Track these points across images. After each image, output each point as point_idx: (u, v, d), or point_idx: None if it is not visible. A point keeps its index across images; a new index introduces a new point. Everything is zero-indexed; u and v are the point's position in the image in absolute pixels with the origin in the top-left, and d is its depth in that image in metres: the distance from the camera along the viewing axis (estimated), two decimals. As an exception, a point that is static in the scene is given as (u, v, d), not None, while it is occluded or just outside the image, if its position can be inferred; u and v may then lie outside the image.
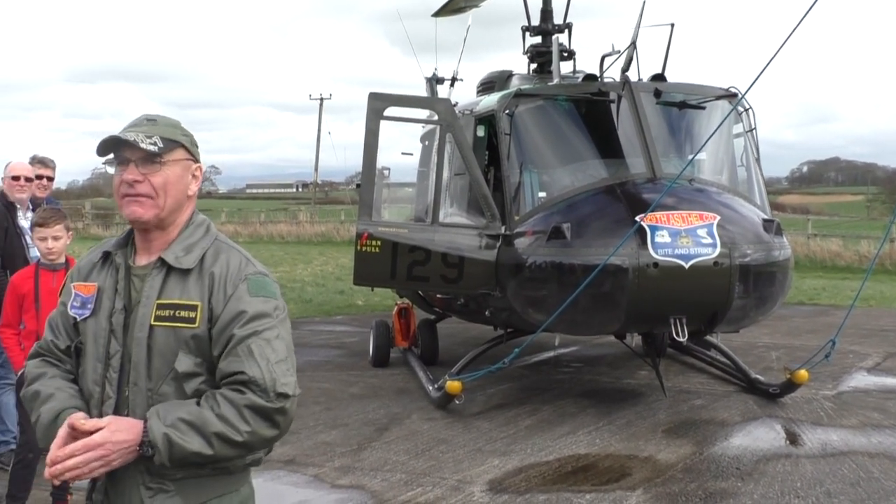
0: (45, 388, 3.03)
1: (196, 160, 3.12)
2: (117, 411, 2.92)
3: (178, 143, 3.03)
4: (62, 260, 6.44)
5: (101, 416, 2.92)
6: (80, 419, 2.81)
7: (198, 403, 2.85)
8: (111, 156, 3.01)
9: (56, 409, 2.95)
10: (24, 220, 7.73)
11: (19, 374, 6.23)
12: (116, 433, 2.76)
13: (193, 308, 2.92)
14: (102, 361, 2.98)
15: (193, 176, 3.10)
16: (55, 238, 6.34)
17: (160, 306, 2.93)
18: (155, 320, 2.92)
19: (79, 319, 3.07)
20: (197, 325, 2.91)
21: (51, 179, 8.31)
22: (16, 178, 7.66)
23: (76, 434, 2.77)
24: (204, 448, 2.78)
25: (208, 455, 2.79)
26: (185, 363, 2.90)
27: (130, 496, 2.91)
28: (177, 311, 2.92)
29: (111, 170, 3.02)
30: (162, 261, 2.99)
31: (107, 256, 3.12)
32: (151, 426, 2.77)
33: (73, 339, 3.10)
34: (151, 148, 2.92)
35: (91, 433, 2.75)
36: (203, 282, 2.96)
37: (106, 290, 3.05)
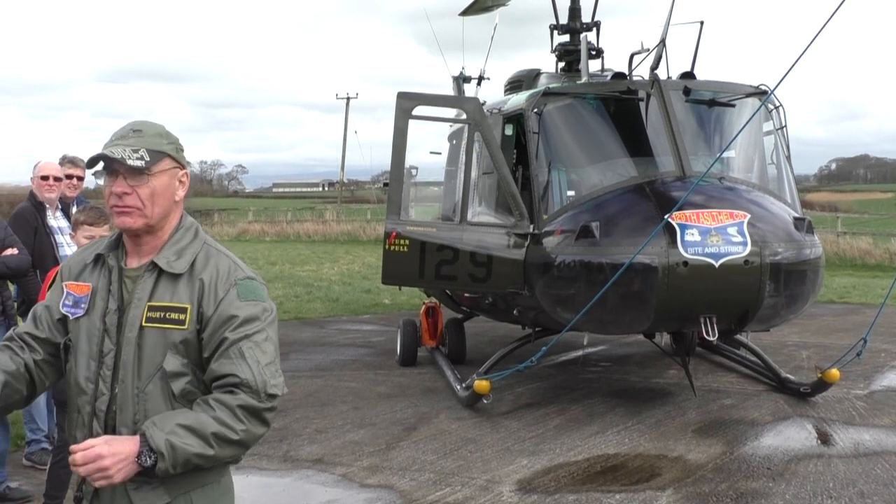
0: None
1: (182, 166, 3.21)
2: (110, 407, 3.06)
3: (163, 153, 3.11)
4: None
5: (93, 412, 3.08)
6: (76, 447, 2.88)
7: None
8: (100, 167, 3.10)
9: None
10: (54, 219, 7.78)
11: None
12: (114, 444, 2.86)
13: (183, 311, 3.04)
14: (96, 359, 3.09)
15: (180, 182, 3.19)
16: (103, 237, 6.36)
17: (151, 308, 3.06)
18: (145, 321, 3.05)
19: (71, 318, 3.18)
20: (186, 326, 3.03)
21: (81, 179, 8.36)
22: (45, 178, 7.70)
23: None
24: (204, 449, 2.90)
25: (209, 455, 2.92)
26: (172, 363, 3.02)
27: (115, 489, 3.00)
28: (167, 314, 3.05)
29: (101, 181, 3.16)
30: (154, 264, 3.11)
31: (99, 258, 3.22)
32: (152, 434, 2.86)
33: (54, 334, 3.22)
34: (138, 164, 3.02)
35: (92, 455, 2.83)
36: (193, 286, 3.08)
37: (99, 290, 3.16)
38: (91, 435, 3.04)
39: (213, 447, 2.91)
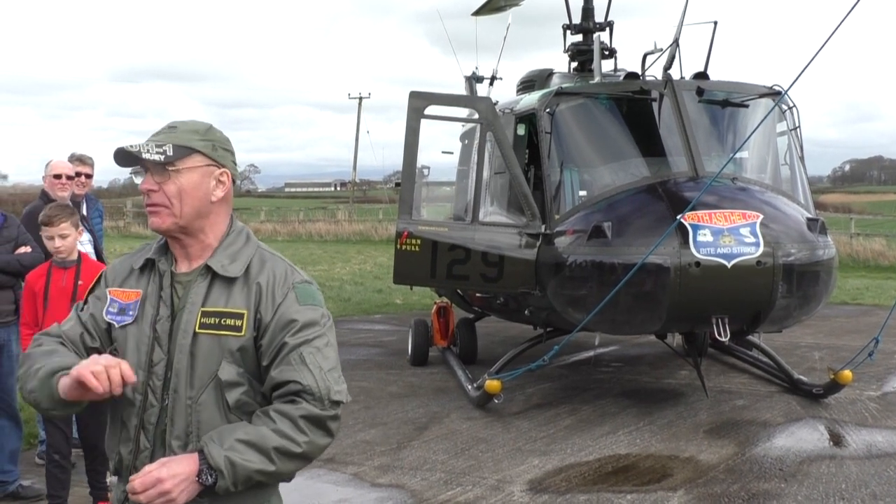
0: (46, 348, 3.02)
1: (219, 165, 3.04)
2: (160, 420, 2.91)
3: (192, 149, 2.96)
4: (73, 257, 6.38)
5: (141, 425, 2.92)
6: (134, 478, 2.71)
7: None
8: (138, 166, 2.99)
9: (57, 365, 2.90)
10: None
11: None
12: (172, 465, 2.71)
13: (240, 316, 2.90)
14: (145, 369, 2.93)
15: (218, 181, 3.03)
16: (62, 236, 6.27)
17: (205, 314, 2.91)
18: (199, 328, 2.90)
19: (117, 326, 3.02)
20: (243, 333, 2.89)
21: (89, 177, 8.40)
22: (58, 177, 7.72)
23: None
24: (265, 465, 2.77)
25: (270, 471, 2.78)
26: (228, 371, 2.88)
27: None
28: (222, 319, 2.90)
29: (138, 179, 3.00)
30: (207, 268, 2.97)
31: (148, 263, 3.07)
32: (210, 452, 2.73)
33: (103, 344, 3.05)
34: (157, 157, 2.89)
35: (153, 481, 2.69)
36: (250, 290, 2.94)
37: (149, 296, 3.00)
38: (137, 450, 2.93)
39: (275, 462, 2.78)
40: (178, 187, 2.93)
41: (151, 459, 2.85)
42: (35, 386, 2.91)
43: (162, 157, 2.90)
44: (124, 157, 2.95)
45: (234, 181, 3.12)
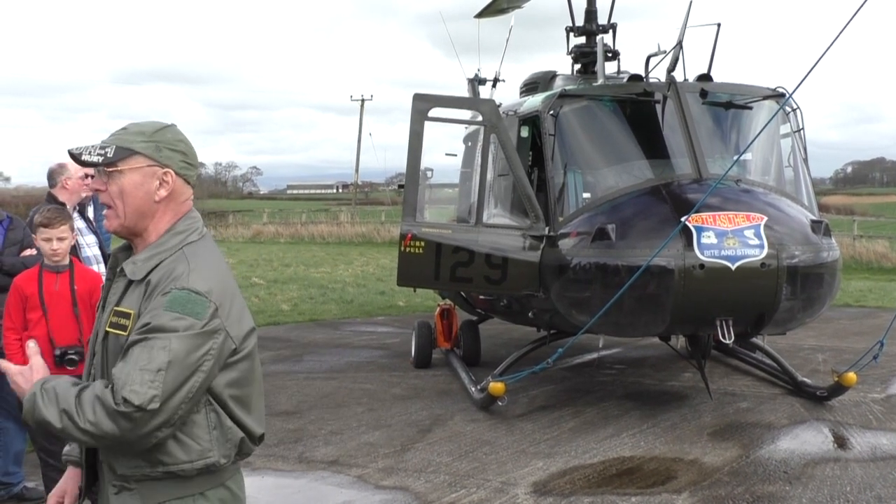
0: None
1: (162, 165, 3.04)
2: None
3: (132, 150, 3.01)
4: (66, 261, 6.30)
5: None
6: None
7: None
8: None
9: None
10: (80, 220, 7.79)
11: None
12: (22, 374, 2.97)
13: (128, 316, 2.95)
14: (91, 357, 3.12)
15: (163, 181, 3.05)
16: (60, 239, 6.20)
17: (115, 313, 3.00)
18: (108, 326, 3.00)
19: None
20: (127, 332, 2.92)
21: None
22: (87, 175, 7.77)
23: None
24: (55, 420, 2.80)
25: (57, 428, 2.80)
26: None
27: (107, 493, 3.02)
28: (120, 319, 2.97)
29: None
30: (121, 269, 3.06)
31: (109, 258, 3.27)
32: (34, 386, 2.88)
33: None
34: (94, 158, 2.97)
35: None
36: (144, 291, 2.97)
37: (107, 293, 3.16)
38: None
39: (62, 422, 2.79)
40: (119, 188, 3.00)
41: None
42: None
43: (100, 159, 2.98)
44: (71, 155, 3.05)
45: (188, 181, 3.14)
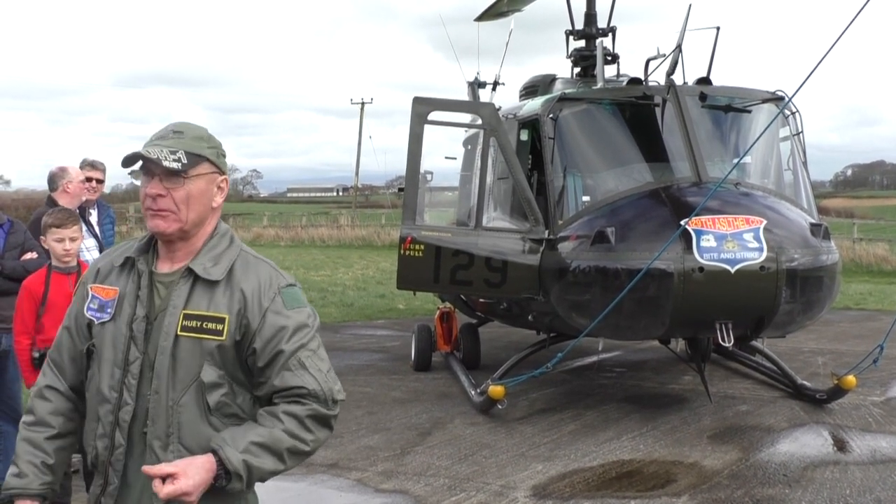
0: (22, 452, 3.11)
1: (221, 172, 3.11)
2: (135, 419, 2.96)
3: (202, 157, 3.01)
4: (75, 263, 6.30)
5: (116, 422, 2.98)
6: (147, 468, 2.78)
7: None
8: (137, 166, 3.01)
9: (13, 490, 3.06)
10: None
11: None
12: (196, 476, 2.76)
13: (221, 321, 2.95)
14: (121, 367, 2.99)
15: (218, 188, 3.10)
16: (72, 239, 6.20)
17: (187, 316, 2.95)
18: (181, 330, 2.94)
19: (95, 322, 3.08)
20: (224, 337, 2.94)
21: (101, 182, 8.40)
22: (88, 180, 7.79)
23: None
24: (277, 465, 2.90)
25: (281, 470, 2.91)
26: (209, 374, 2.94)
27: (136, 498, 2.98)
28: (204, 323, 2.95)
29: (138, 181, 3.06)
30: (189, 270, 3.00)
31: (128, 261, 3.11)
32: (228, 456, 2.80)
33: (87, 342, 3.12)
34: (174, 166, 2.92)
35: (166, 475, 2.73)
36: (233, 295, 2.98)
37: (127, 295, 3.04)
38: (112, 446, 2.98)
39: (286, 462, 2.91)
40: (186, 194, 2.97)
41: (127, 456, 2.97)
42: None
43: (179, 166, 2.93)
44: (131, 161, 2.99)
45: None
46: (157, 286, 3.04)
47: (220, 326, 2.94)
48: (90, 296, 3.12)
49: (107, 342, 3.03)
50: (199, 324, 2.94)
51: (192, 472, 2.75)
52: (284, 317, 2.99)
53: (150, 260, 3.09)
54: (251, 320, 2.95)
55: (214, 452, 2.82)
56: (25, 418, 3.15)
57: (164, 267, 3.07)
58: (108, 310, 3.05)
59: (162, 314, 2.99)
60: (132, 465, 2.97)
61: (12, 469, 3.07)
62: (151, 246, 3.13)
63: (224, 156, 3.13)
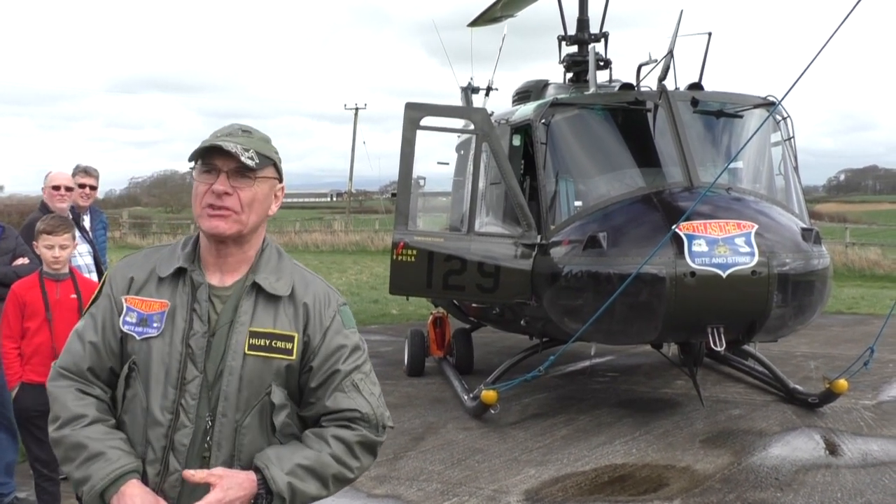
0: (92, 443, 2.77)
1: (281, 179, 2.98)
2: (193, 441, 2.78)
3: (270, 159, 2.89)
4: (66, 269, 6.30)
5: (169, 446, 2.77)
6: (190, 473, 2.69)
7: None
8: (198, 162, 2.85)
9: (112, 473, 2.73)
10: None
11: (15, 390, 6.15)
12: (230, 491, 2.66)
13: (290, 339, 2.84)
14: (176, 387, 2.78)
15: (276, 196, 2.97)
16: (62, 247, 6.20)
17: (254, 334, 2.81)
18: (248, 349, 2.81)
19: (138, 338, 2.84)
20: (294, 356, 2.84)
21: (94, 188, 8.40)
22: (56, 188, 7.71)
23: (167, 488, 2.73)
24: (321, 492, 2.80)
25: (324, 496, 2.81)
26: (278, 395, 2.83)
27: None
28: (273, 342, 2.82)
29: (192, 176, 2.86)
30: (255, 284, 2.87)
31: (179, 272, 2.89)
32: (273, 476, 2.70)
33: (118, 359, 2.89)
34: (250, 162, 2.78)
35: (201, 483, 2.67)
36: (297, 311, 2.88)
37: (178, 308, 2.84)
38: (166, 471, 2.78)
39: (329, 489, 2.81)
40: (252, 195, 2.84)
41: (182, 482, 2.76)
42: (86, 483, 2.74)
43: (254, 163, 2.80)
44: (203, 152, 2.82)
45: None
46: (213, 301, 2.87)
47: (289, 345, 2.83)
48: (125, 308, 2.88)
49: (155, 359, 2.81)
50: (267, 342, 2.82)
51: (231, 486, 2.67)
52: (343, 336, 2.93)
53: (201, 271, 2.91)
54: (312, 338, 2.87)
55: (258, 470, 2.72)
56: (69, 424, 2.81)
57: (213, 279, 2.91)
58: (156, 324, 2.83)
59: (221, 331, 2.83)
60: (187, 491, 2.77)
61: (87, 467, 2.73)
62: (196, 255, 2.94)
63: (281, 162, 3.01)
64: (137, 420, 2.82)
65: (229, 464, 2.77)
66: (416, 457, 8.35)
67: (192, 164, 2.87)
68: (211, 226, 2.80)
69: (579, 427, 9.37)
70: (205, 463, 2.78)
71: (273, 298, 2.87)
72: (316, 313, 2.90)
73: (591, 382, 11.68)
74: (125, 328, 2.86)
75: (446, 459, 8.26)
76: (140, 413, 2.82)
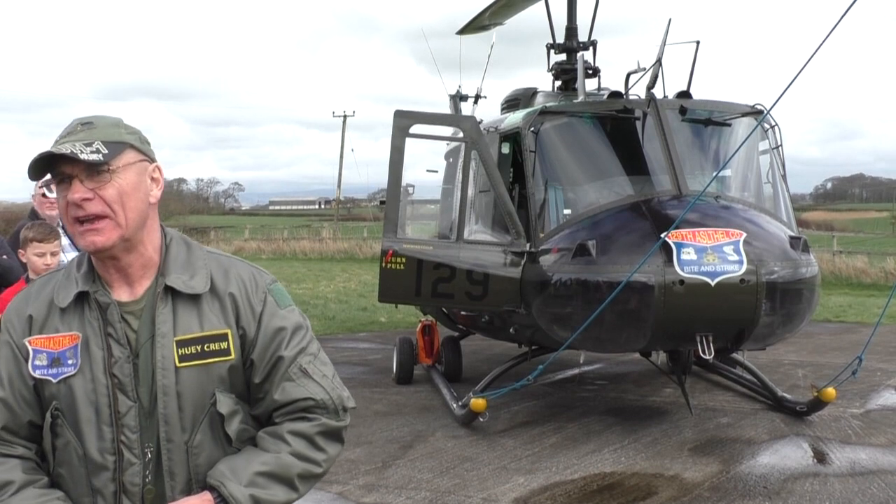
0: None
1: (151, 160, 2.59)
2: (146, 478, 2.53)
3: (124, 143, 2.50)
4: None
5: (121, 488, 2.51)
6: None
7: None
8: (48, 176, 2.51)
9: None
10: (64, 237, 7.76)
11: None
12: None
13: (223, 337, 2.55)
14: (111, 424, 2.49)
15: (153, 179, 2.58)
16: (53, 254, 6.15)
17: (181, 343, 2.51)
18: (180, 361, 2.51)
19: (54, 381, 2.51)
20: (233, 355, 2.56)
21: None
22: (46, 196, 7.69)
23: None
24: (290, 495, 2.57)
25: (293, 500, 2.58)
26: (225, 403, 2.56)
27: None
28: (205, 346, 2.53)
29: (51, 194, 2.65)
30: (167, 289, 2.55)
31: (80, 297, 2.56)
32: (231, 492, 2.46)
33: (36, 409, 2.56)
34: (94, 157, 2.40)
35: None
36: (224, 304, 2.58)
37: (91, 338, 2.51)
38: None
39: (299, 490, 2.58)
40: (118, 190, 2.45)
41: None
42: None
43: (99, 157, 2.41)
44: (40, 165, 2.46)
45: None
46: (127, 318, 2.54)
47: (224, 345, 2.54)
48: (31, 352, 2.54)
49: (80, 399, 2.50)
50: (199, 348, 2.52)
51: None
52: (280, 318, 2.62)
53: (105, 289, 2.57)
54: (247, 329, 2.58)
55: (213, 489, 2.48)
56: None
57: (122, 294, 2.57)
58: (70, 361, 2.51)
59: (145, 349, 2.52)
60: None
61: None
62: (95, 274, 2.59)
63: (148, 143, 2.62)
64: (76, 470, 2.54)
65: (187, 491, 2.53)
66: (404, 465, 8.33)
67: (39, 182, 2.63)
68: (87, 243, 2.46)
69: (568, 435, 9.36)
70: (157, 498, 2.54)
71: (192, 298, 2.56)
72: (244, 301, 2.59)
73: (580, 390, 11.67)
74: (37, 373, 2.53)
75: (435, 468, 8.24)
76: (77, 461, 2.52)
